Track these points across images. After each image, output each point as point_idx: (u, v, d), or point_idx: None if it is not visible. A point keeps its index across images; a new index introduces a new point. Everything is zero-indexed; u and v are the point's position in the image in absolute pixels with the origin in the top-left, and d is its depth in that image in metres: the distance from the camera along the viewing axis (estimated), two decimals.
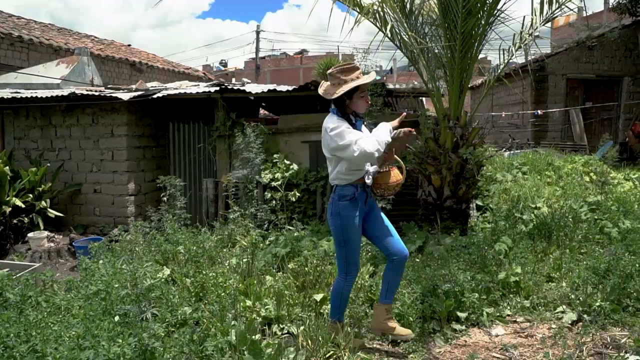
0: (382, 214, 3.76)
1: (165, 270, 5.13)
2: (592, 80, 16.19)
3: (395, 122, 3.63)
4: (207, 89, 8.21)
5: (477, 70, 8.75)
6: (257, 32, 34.29)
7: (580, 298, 4.39)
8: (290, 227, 6.40)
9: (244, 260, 5.23)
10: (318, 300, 4.41)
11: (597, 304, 4.22)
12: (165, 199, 6.87)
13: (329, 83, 3.57)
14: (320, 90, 3.61)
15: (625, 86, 16.07)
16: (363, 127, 3.65)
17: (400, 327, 3.77)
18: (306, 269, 4.90)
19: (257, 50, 34.69)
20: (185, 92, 8.06)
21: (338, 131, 3.38)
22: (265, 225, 6.93)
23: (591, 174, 9.88)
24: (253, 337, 3.50)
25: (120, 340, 2.95)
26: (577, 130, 15.56)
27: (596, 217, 6.73)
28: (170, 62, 20.24)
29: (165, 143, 9.09)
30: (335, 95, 3.45)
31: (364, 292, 4.46)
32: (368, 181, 3.58)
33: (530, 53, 7.78)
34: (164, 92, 8.16)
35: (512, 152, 13.73)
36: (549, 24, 7.08)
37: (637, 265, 4.57)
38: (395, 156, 3.70)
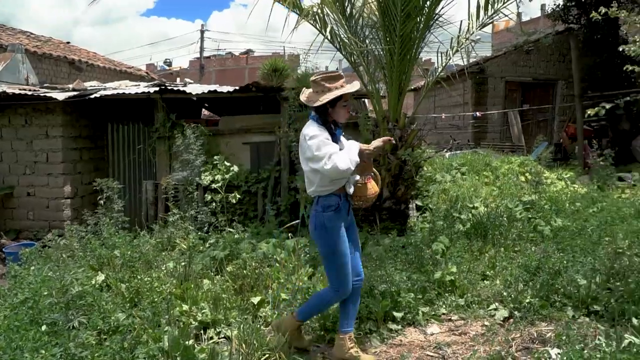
0: (357, 231, 3.75)
1: (100, 276, 4.98)
2: (529, 83, 16.79)
3: (364, 146, 3.53)
4: (146, 89, 8.02)
5: (418, 72, 8.91)
6: (202, 32, 33.92)
7: (512, 295, 4.53)
8: (231, 230, 6.33)
9: (182, 263, 5.13)
10: (255, 303, 4.38)
11: (527, 300, 4.38)
12: (102, 201, 6.68)
13: (310, 90, 3.51)
14: (303, 98, 3.54)
15: (559, 89, 16.72)
16: (342, 138, 3.59)
17: (364, 354, 3.69)
18: (245, 271, 4.86)
19: (202, 49, 34.32)
20: (123, 93, 7.85)
21: (315, 140, 3.30)
22: (206, 228, 6.83)
23: (526, 174, 10.24)
24: (186, 342, 3.44)
25: (44, 351, 2.84)
26: (515, 132, 16.08)
27: (530, 216, 6.97)
28: (111, 61, 19.69)
29: (104, 144, 8.81)
30: (319, 103, 3.39)
31: (302, 295, 4.44)
32: (350, 190, 3.51)
33: (470, 56, 7.96)
34: (102, 92, 7.92)
35: (453, 152, 14.04)
36: (489, 29, 7.27)
37: (564, 262, 4.77)
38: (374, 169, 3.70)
